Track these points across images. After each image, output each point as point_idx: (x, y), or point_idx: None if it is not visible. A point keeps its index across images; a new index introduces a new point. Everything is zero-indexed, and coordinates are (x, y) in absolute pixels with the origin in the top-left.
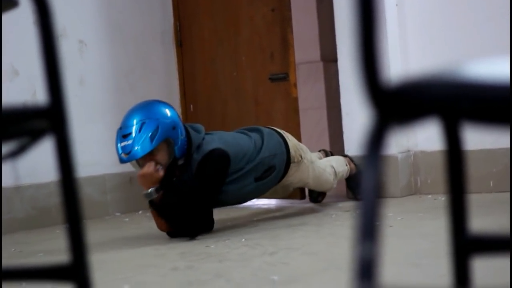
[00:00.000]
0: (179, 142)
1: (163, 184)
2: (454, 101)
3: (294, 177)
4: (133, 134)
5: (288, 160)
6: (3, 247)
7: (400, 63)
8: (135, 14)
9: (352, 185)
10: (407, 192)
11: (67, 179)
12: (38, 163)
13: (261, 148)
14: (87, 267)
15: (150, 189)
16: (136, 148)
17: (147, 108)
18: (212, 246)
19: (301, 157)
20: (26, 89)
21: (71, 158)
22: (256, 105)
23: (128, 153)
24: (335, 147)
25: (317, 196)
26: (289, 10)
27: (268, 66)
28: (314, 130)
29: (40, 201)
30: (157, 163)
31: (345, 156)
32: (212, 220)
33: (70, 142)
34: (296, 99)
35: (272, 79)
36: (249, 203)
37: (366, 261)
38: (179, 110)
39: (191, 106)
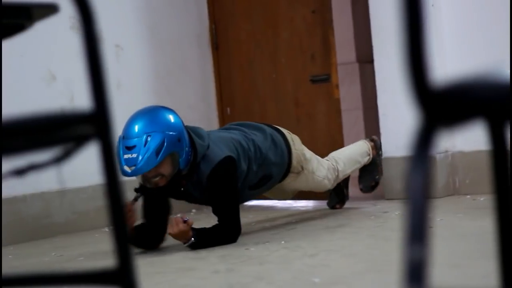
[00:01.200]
0: (184, 154)
1: (172, 193)
2: (500, 103)
3: (289, 185)
4: (138, 148)
5: (287, 170)
6: (43, 251)
7: (437, 64)
8: (171, 17)
9: (363, 174)
10: (445, 192)
11: (111, 183)
12: (78, 167)
13: (261, 155)
14: (134, 271)
15: (190, 241)
16: (141, 163)
17: (152, 118)
18: (252, 249)
19: (302, 168)
20: (64, 93)
21: (115, 163)
22: (297, 106)
23: (132, 167)
24: None
25: (335, 204)
26: (330, 12)
27: (309, 68)
28: (350, 131)
29: (79, 205)
30: (162, 175)
31: (373, 140)
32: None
33: (114, 147)
34: (338, 100)
35: (313, 81)
36: (286, 204)
37: (415, 263)
38: (215, 113)
39: (228, 109)
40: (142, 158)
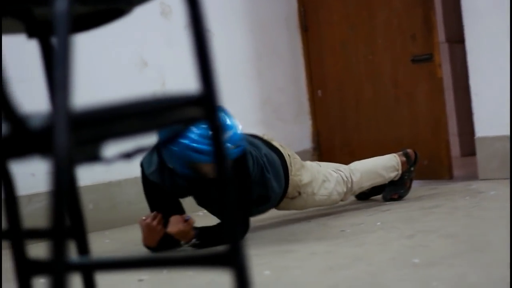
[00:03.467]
0: None
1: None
2: None
3: (284, 207)
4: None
5: (282, 195)
6: (139, 236)
7: None
8: (260, 1)
9: (388, 185)
10: None
11: (220, 164)
12: None
13: (261, 173)
14: (244, 253)
15: (192, 242)
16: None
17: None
18: (348, 231)
19: (299, 193)
20: (155, 79)
21: (224, 144)
22: (396, 87)
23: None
24: (464, 128)
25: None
26: None
27: (409, 48)
28: None
29: None
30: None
31: (406, 155)
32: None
33: (222, 128)
34: (441, 80)
35: (414, 61)
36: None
37: None
38: (306, 96)
39: (319, 91)
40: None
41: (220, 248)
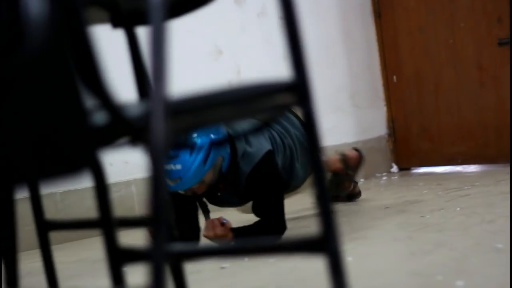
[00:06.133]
0: (227, 157)
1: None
2: None
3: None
4: (183, 158)
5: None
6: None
7: None
8: None
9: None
10: None
11: (314, 149)
12: None
13: (290, 160)
14: (337, 239)
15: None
16: (186, 175)
17: None
18: (428, 216)
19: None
20: (230, 67)
21: (317, 129)
22: (480, 70)
23: (175, 180)
24: None
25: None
26: None
27: (494, 31)
28: None
29: None
30: (202, 181)
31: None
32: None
33: (315, 114)
34: None
35: (501, 44)
36: (456, 170)
37: None
38: (380, 81)
39: (394, 77)
40: (188, 170)
41: (312, 234)
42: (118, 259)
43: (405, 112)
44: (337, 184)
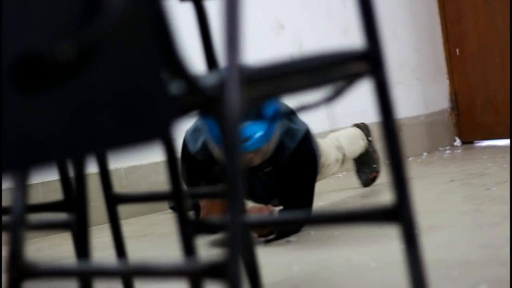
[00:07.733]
0: (283, 130)
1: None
2: None
3: None
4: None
5: None
6: None
7: None
8: None
9: (360, 168)
10: None
11: (387, 119)
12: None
13: None
14: (411, 207)
15: (271, 237)
16: (257, 136)
17: None
18: (494, 189)
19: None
20: (292, 42)
21: (391, 99)
22: None
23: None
24: None
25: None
26: None
27: None
28: None
29: None
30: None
31: (359, 126)
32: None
33: (389, 84)
34: None
35: None
36: (500, 143)
37: None
38: (442, 55)
39: (457, 50)
40: (259, 130)
41: (387, 203)
42: (189, 231)
43: (469, 85)
44: (370, 159)
